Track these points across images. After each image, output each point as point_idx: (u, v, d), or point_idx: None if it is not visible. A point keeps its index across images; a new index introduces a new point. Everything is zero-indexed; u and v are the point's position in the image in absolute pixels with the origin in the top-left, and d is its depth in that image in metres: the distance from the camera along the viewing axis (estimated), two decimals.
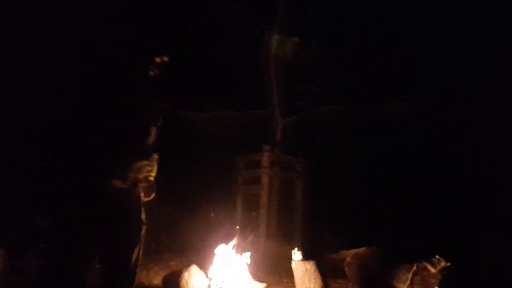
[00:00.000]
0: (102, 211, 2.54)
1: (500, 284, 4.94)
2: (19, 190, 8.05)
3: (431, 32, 8.33)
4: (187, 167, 8.95)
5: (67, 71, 2.99)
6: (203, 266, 4.61)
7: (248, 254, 4.60)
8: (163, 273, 5.24)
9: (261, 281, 4.85)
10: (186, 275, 4.46)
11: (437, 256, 4.58)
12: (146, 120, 2.71)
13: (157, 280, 5.17)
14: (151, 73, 2.80)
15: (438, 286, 4.38)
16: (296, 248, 4.53)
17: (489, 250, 6.25)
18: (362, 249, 5.30)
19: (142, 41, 2.82)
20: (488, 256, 5.80)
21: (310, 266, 4.36)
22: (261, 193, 6.98)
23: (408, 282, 4.59)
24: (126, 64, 2.62)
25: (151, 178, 2.80)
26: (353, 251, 5.33)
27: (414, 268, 4.64)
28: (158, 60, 2.78)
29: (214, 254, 4.57)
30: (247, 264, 4.59)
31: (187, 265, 4.66)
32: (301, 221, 7.23)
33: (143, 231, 2.73)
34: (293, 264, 4.46)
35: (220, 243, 4.63)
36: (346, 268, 5.21)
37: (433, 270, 4.50)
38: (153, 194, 2.85)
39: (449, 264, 4.48)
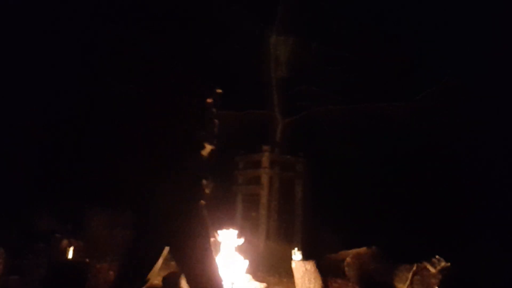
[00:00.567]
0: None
1: (500, 284, 4.94)
2: (20, 190, 8.06)
3: (431, 32, 8.33)
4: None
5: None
6: None
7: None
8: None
9: (261, 281, 4.85)
10: None
11: (437, 256, 4.58)
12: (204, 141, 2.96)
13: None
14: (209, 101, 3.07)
15: (438, 286, 4.38)
16: (296, 248, 4.53)
17: (489, 250, 6.25)
18: (362, 249, 5.29)
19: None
20: (488, 256, 5.80)
21: (310, 266, 4.36)
22: (261, 193, 6.98)
23: (408, 282, 4.59)
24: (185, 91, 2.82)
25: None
26: (353, 251, 5.32)
27: (414, 268, 4.64)
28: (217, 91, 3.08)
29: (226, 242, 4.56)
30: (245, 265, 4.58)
31: None
32: (301, 221, 7.23)
33: None
34: (293, 264, 4.46)
35: (220, 244, 4.63)
36: (346, 268, 5.20)
37: (433, 270, 4.50)
38: None
39: (449, 264, 4.48)
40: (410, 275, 4.62)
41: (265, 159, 6.98)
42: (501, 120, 8.51)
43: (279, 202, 7.20)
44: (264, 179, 6.97)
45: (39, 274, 4.63)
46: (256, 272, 5.63)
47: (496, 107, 8.30)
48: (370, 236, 5.97)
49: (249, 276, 4.71)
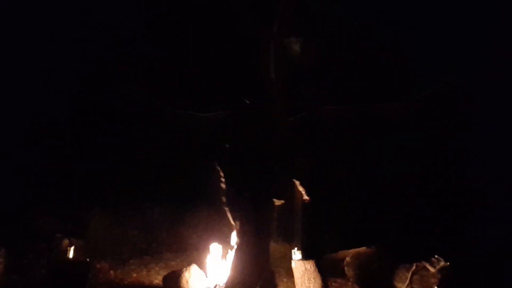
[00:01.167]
0: None
1: (500, 284, 4.95)
2: (20, 190, 8.08)
3: (431, 32, 8.33)
4: (187, 167, 8.97)
5: None
6: (203, 266, 4.62)
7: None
8: (163, 273, 5.26)
9: None
10: (186, 274, 4.49)
11: (436, 256, 4.60)
12: None
13: (158, 279, 5.19)
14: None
15: (437, 286, 4.40)
16: (296, 248, 4.54)
17: (488, 250, 6.26)
18: (362, 249, 5.32)
19: None
20: (488, 256, 5.81)
21: (309, 265, 4.37)
22: None
23: (407, 282, 4.61)
24: None
25: None
26: (353, 250, 5.34)
27: (414, 267, 4.66)
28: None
29: (213, 255, 4.59)
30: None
31: (187, 265, 4.69)
32: (301, 221, 7.23)
33: None
34: (293, 264, 4.47)
35: (218, 244, 4.65)
36: (345, 268, 5.22)
37: (432, 269, 4.52)
38: None
39: (448, 263, 4.49)
40: (409, 274, 4.65)
41: None
42: (501, 120, 8.51)
43: None
44: None
45: (40, 273, 4.65)
46: None
47: (496, 107, 8.30)
48: (370, 236, 5.98)
49: None
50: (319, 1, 7.85)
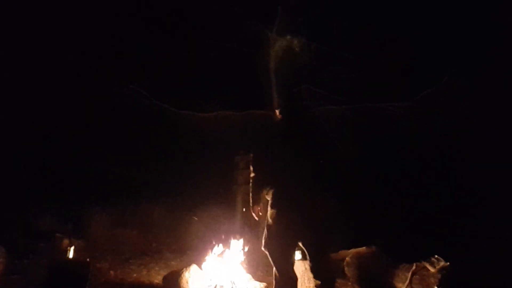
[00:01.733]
0: None
1: (500, 284, 4.95)
2: (20, 190, 8.08)
3: (431, 32, 8.33)
4: (187, 167, 8.97)
5: None
6: (203, 266, 4.62)
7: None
8: (163, 273, 5.26)
9: (261, 281, 4.87)
10: (186, 274, 4.49)
11: (436, 256, 4.59)
12: None
13: (158, 279, 5.19)
14: None
15: (437, 286, 4.40)
16: (296, 248, 4.54)
17: (488, 250, 6.26)
18: (362, 249, 5.31)
19: None
20: (488, 256, 5.81)
21: (309, 265, 4.37)
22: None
23: (407, 282, 4.60)
24: None
25: None
26: (353, 250, 5.34)
27: (414, 267, 4.66)
28: None
29: (213, 255, 4.59)
30: (244, 263, 4.61)
31: (187, 265, 4.69)
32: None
33: None
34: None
35: (218, 244, 4.66)
36: (346, 268, 5.22)
37: (432, 269, 4.52)
38: None
39: (448, 263, 4.49)
40: (409, 274, 4.64)
41: None
42: (501, 120, 8.51)
43: None
44: None
45: (40, 273, 4.65)
46: (256, 272, 5.65)
47: (496, 107, 8.30)
48: (370, 236, 5.98)
49: (249, 276, 4.73)
50: (319, 1, 7.85)
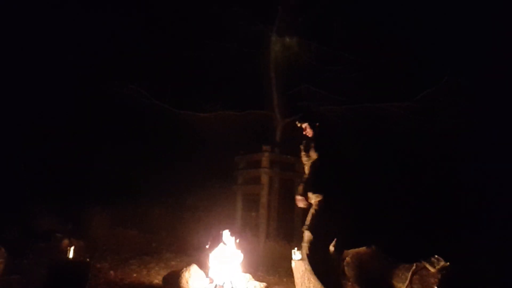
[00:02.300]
0: None
1: (500, 284, 4.94)
2: (20, 190, 8.08)
3: (432, 32, 8.33)
4: (187, 167, 8.98)
5: None
6: (203, 266, 4.62)
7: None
8: (163, 273, 5.25)
9: (261, 281, 4.86)
10: (186, 274, 4.48)
11: (436, 256, 4.58)
12: None
13: (158, 279, 5.18)
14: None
15: (437, 286, 4.39)
16: (296, 248, 4.54)
17: (488, 250, 6.26)
18: (362, 249, 5.30)
19: None
20: (488, 256, 5.81)
21: (309, 265, 4.36)
22: (261, 193, 6.98)
23: (407, 282, 4.59)
24: None
25: None
26: (353, 251, 5.32)
27: (413, 267, 4.64)
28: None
29: (212, 255, 4.59)
30: (241, 263, 4.61)
31: (187, 265, 4.68)
32: (301, 221, 7.22)
33: None
34: (293, 264, 4.46)
35: (218, 244, 4.65)
36: (346, 268, 5.21)
37: (432, 269, 4.51)
38: None
39: (448, 263, 4.48)
40: (409, 274, 4.63)
41: (265, 159, 6.98)
42: (501, 119, 8.52)
43: (279, 202, 7.20)
44: (264, 179, 6.97)
45: (40, 273, 4.65)
46: (256, 272, 5.65)
47: (496, 107, 8.31)
48: (370, 235, 5.98)
49: (249, 276, 4.73)
50: (319, 1, 7.86)
